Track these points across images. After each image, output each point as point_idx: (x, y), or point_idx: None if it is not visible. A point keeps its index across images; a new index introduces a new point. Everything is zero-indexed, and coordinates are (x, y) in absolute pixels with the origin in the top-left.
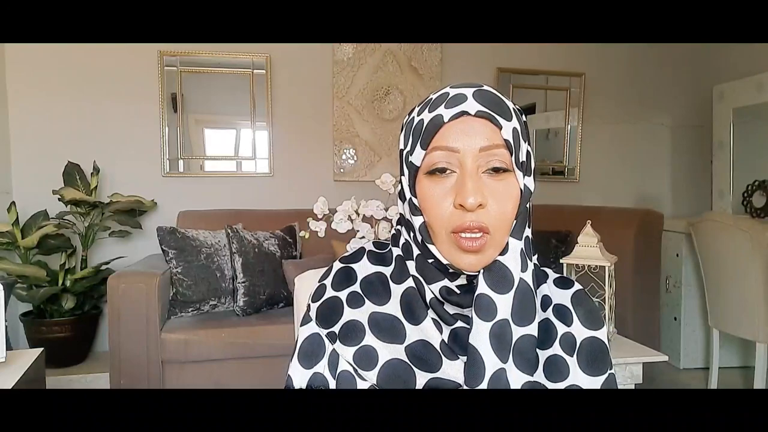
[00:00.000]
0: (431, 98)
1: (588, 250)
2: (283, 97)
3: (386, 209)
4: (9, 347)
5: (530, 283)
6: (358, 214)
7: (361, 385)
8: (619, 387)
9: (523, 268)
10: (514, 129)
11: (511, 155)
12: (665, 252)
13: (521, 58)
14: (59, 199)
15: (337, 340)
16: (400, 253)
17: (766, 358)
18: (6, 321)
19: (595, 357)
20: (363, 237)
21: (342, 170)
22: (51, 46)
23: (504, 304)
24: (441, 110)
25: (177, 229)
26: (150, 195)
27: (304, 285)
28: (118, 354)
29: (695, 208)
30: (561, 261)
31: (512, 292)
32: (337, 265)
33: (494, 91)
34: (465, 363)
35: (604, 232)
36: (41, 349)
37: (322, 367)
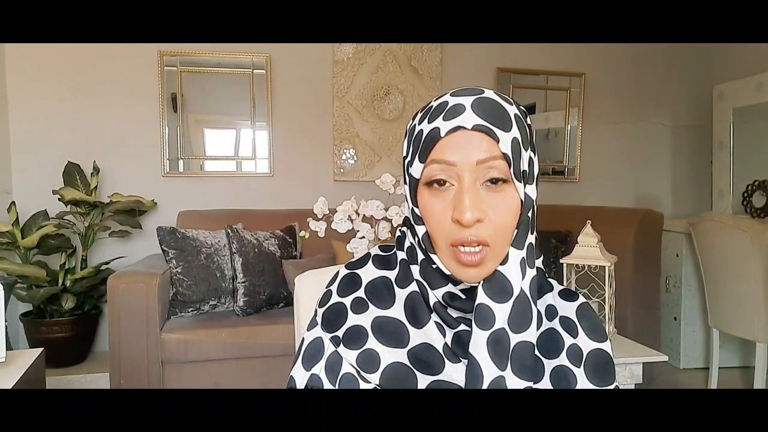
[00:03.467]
0: (432, 106)
1: (588, 250)
2: (283, 97)
3: (386, 209)
4: (9, 347)
5: (527, 291)
6: (358, 214)
7: (364, 386)
8: (619, 387)
9: (523, 276)
10: (514, 139)
11: (510, 167)
12: (665, 252)
13: (521, 58)
14: (59, 199)
15: (341, 344)
16: (405, 257)
17: (766, 358)
18: (6, 321)
19: (601, 368)
20: (363, 237)
21: (342, 170)
22: (51, 46)
23: (502, 313)
24: (439, 122)
25: (177, 229)
26: (150, 195)
27: (304, 285)
28: (118, 354)
29: (695, 208)
30: (561, 261)
31: (511, 302)
32: (343, 272)
33: (496, 98)
34: (466, 368)
35: (604, 232)
36: (41, 349)
37: (318, 369)
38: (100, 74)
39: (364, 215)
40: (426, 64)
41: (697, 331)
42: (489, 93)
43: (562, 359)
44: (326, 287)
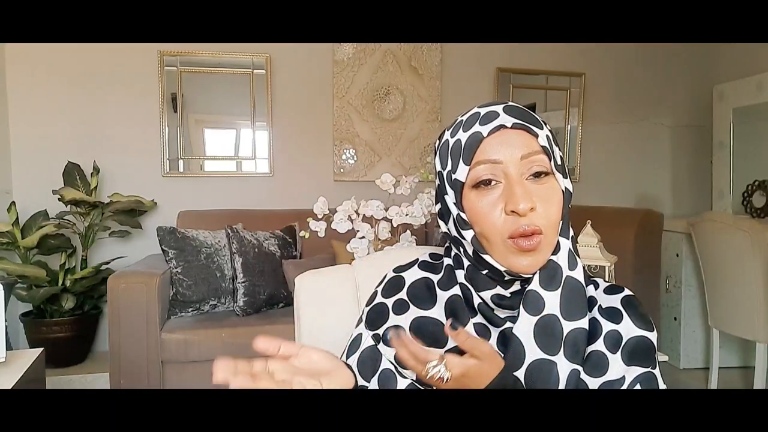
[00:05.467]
0: (462, 120)
1: (588, 250)
2: (283, 97)
3: (386, 209)
4: (9, 347)
5: (581, 280)
6: (358, 214)
7: (402, 382)
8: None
9: (571, 266)
10: (547, 136)
11: (550, 160)
12: (665, 252)
13: (521, 58)
14: (59, 199)
15: (381, 342)
16: (451, 263)
17: (766, 358)
18: (6, 321)
19: (639, 352)
20: (363, 237)
21: (342, 170)
22: (51, 46)
23: (552, 300)
24: (477, 127)
25: (177, 229)
26: (150, 195)
27: (304, 285)
28: (118, 354)
29: (695, 208)
30: None
31: (560, 289)
32: (390, 274)
33: (521, 106)
34: (507, 350)
35: (604, 232)
36: (41, 349)
37: (353, 360)
38: (100, 74)
39: (364, 215)
40: (426, 64)
41: (697, 331)
42: (512, 103)
43: (598, 345)
44: (375, 287)
